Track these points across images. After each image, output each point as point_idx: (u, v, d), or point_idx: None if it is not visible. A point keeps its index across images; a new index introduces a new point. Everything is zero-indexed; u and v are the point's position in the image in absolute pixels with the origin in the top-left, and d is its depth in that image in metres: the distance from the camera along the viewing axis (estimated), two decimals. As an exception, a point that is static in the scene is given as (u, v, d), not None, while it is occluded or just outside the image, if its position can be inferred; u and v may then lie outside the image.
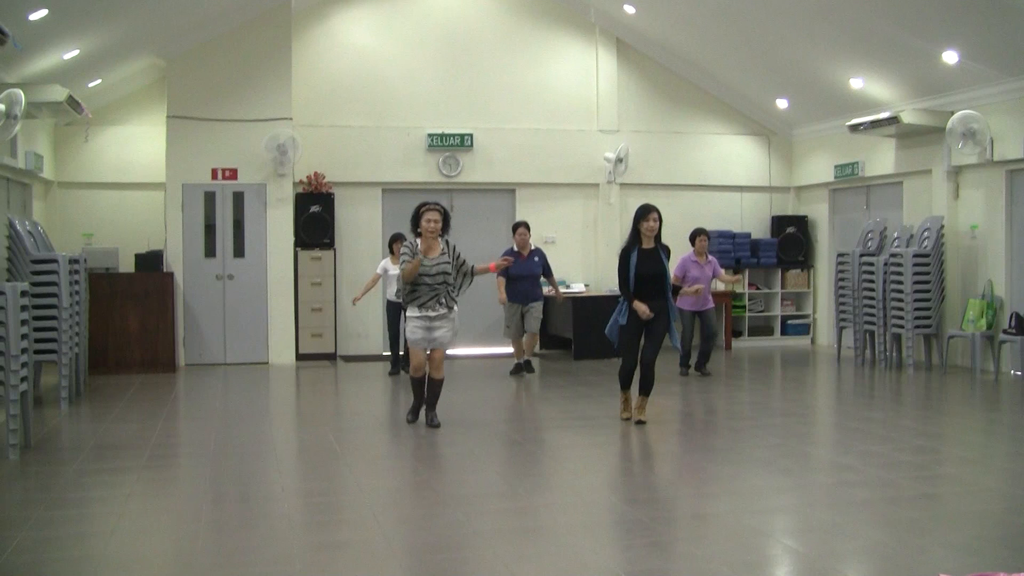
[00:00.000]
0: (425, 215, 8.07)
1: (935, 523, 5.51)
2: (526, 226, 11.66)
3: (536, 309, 11.52)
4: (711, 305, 11.59)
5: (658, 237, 8.19)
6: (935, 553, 4.95)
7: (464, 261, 8.24)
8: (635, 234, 8.17)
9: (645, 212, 8.14)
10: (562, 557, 5.03)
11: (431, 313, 8.04)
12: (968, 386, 10.68)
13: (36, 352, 8.88)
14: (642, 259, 8.11)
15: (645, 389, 8.29)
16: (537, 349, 12.98)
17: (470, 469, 6.92)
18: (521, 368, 11.59)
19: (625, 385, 8.49)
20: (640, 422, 8.22)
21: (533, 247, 11.69)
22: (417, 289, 8.02)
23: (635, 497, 6.20)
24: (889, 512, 5.68)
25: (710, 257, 11.59)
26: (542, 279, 11.73)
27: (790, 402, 9.94)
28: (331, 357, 13.34)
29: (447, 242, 8.17)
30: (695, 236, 11.51)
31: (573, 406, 9.68)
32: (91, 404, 9.80)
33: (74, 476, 6.70)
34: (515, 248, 11.48)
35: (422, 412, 8.46)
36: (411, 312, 8.11)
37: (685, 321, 11.31)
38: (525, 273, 11.42)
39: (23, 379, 7.36)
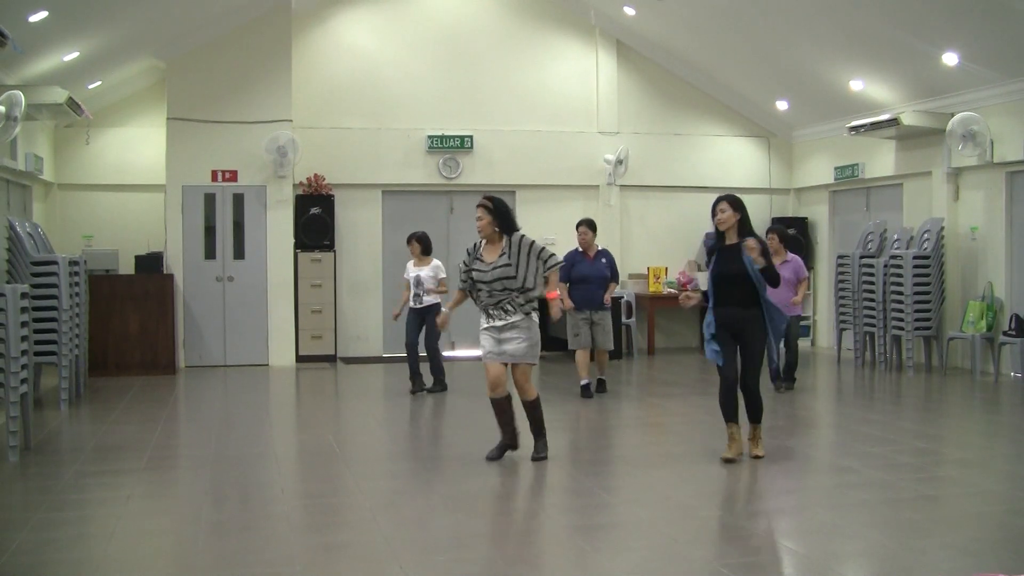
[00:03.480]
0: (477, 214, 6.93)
1: (935, 525, 5.51)
2: (587, 224, 10.37)
3: (606, 321, 10.15)
4: (796, 311, 10.30)
5: (743, 231, 6.83)
6: (935, 555, 4.95)
7: (540, 251, 6.88)
8: (716, 231, 7.00)
9: (713, 205, 6.95)
10: (561, 558, 5.03)
11: (497, 323, 6.82)
12: (968, 388, 10.68)
13: (36, 354, 8.87)
14: (721, 257, 6.88)
15: (755, 416, 6.97)
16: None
17: (469, 470, 6.91)
18: (590, 390, 10.11)
19: (730, 415, 6.91)
20: (756, 456, 6.94)
21: (600, 247, 10.40)
22: (479, 296, 6.91)
23: (635, 499, 6.20)
24: (889, 514, 5.68)
25: (789, 257, 10.29)
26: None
27: (790, 404, 9.93)
28: (331, 359, 13.33)
29: (510, 241, 6.88)
30: (766, 234, 10.35)
31: (573, 408, 9.67)
32: (91, 406, 9.79)
33: (74, 478, 6.70)
34: (579, 249, 10.38)
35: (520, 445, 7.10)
36: (481, 322, 6.96)
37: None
38: (591, 275, 10.13)
39: (23, 381, 7.37)
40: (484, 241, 6.94)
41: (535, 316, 6.88)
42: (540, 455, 6.98)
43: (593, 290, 10.13)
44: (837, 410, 10.11)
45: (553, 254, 6.98)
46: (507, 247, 6.85)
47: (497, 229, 6.89)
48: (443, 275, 10.38)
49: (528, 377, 6.94)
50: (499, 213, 6.89)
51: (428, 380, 10.48)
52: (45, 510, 5.83)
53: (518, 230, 6.99)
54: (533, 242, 6.95)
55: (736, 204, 6.89)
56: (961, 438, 8.34)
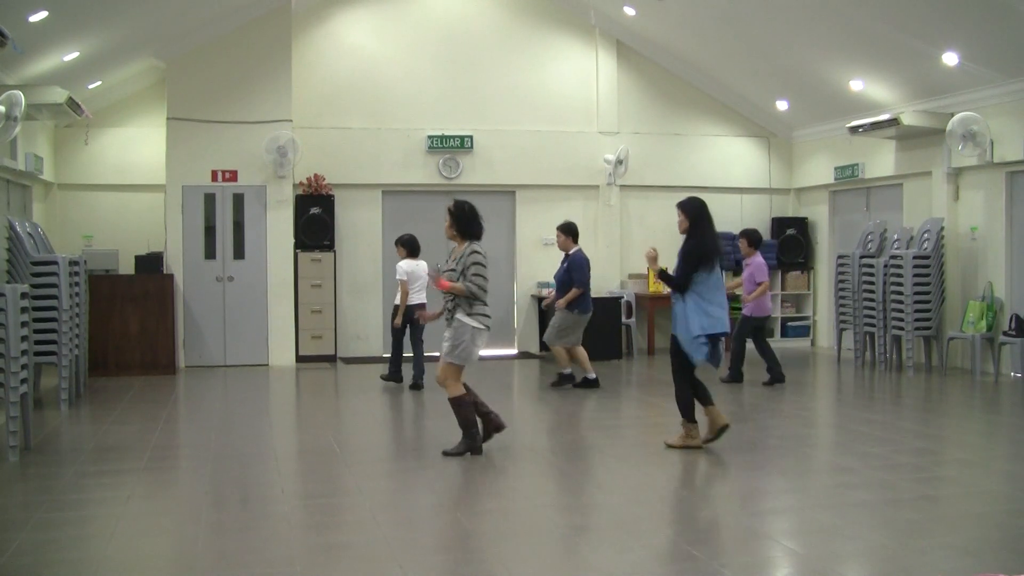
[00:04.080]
0: None
1: (935, 525, 5.51)
2: (560, 228, 10.84)
3: (553, 318, 10.72)
4: (745, 312, 10.86)
5: (691, 233, 7.39)
6: (935, 555, 4.95)
7: (471, 264, 7.08)
8: None
9: None
10: (561, 558, 5.03)
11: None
12: (968, 388, 10.68)
13: (36, 354, 8.87)
14: None
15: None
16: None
17: (470, 471, 6.92)
18: (561, 380, 10.82)
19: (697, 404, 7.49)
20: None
21: (573, 251, 10.68)
22: None
23: (634, 499, 6.20)
24: (889, 514, 5.68)
25: (749, 260, 10.94)
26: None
27: (790, 404, 9.94)
28: (331, 359, 13.34)
29: (468, 248, 7.19)
30: (737, 237, 11.27)
31: (571, 408, 9.68)
32: (91, 406, 9.79)
33: (74, 478, 6.70)
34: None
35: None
36: None
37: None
38: (555, 280, 10.91)
39: (23, 381, 7.37)
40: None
41: (470, 320, 7.07)
42: (451, 451, 7.20)
43: (558, 294, 10.77)
44: (837, 410, 10.11)
45: (477, 273, 7.07)
46: (460, 254, 7.18)
47: (457, 234, 7.23)
48: (398, 276, 10.95)
49: (447, 374, 7.16)
50: (459, 219, 7.22)
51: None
52: (45, 510, 5.83)
53: (478, 238, 7.27)
54: (473, 252, 7.12)
55: (686, 208, 7.40)
56: (961, 438, 8.34)
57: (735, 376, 10.94)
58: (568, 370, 10.76)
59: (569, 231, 10.78)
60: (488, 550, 5.09)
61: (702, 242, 7.30)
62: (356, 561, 4.97)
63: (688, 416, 7.37)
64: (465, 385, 7.31)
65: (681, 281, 7.32)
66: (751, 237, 11.10)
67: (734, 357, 10.98)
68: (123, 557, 5.03)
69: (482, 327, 7.16)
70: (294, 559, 4.92)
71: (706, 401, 7.40)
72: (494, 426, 7.38)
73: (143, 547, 5.26)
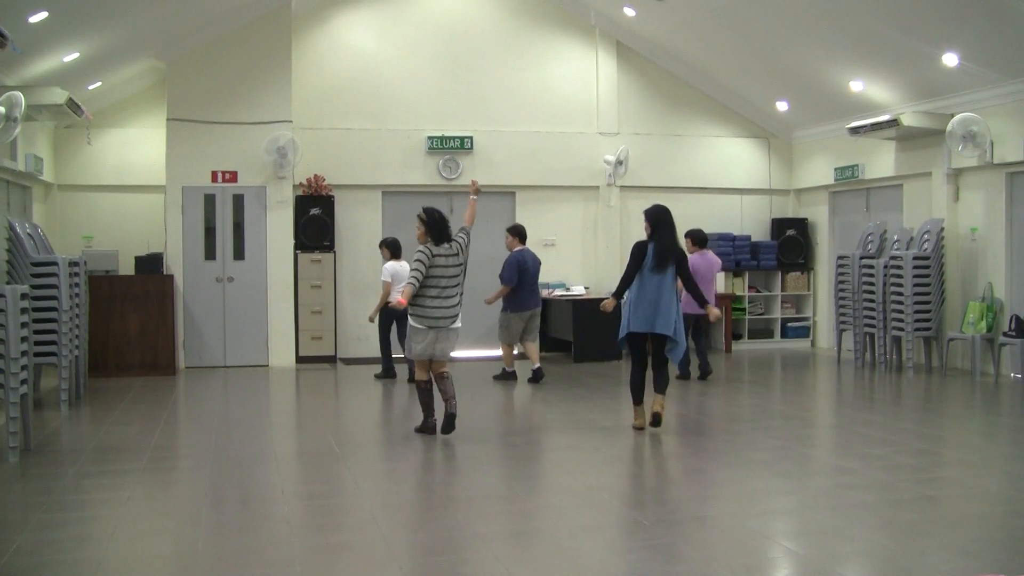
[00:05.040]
0: None
1: (935, 526, 5.51)
2: (508, 228, 11.59)
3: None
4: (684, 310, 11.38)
5: (650, 237, 8.18)
6: (935, 556, 4.95)
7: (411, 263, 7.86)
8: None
9: None
10: (561, 560, 5.03)
11: None
12: (968, 389, 10.68)
13: (36, 355, 8.87)
14: None
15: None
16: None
17: (469, 472, 6.92)
18: (504, 375, 11.40)
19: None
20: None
21: (515, 249, 11.35)
22: None
23: (635, 500, 6.20)
24: (889, 515, 5.68)
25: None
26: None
27: (790, 405, 9.94)
28: (331, 360, 13.34)
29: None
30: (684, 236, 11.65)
31: (573, 409, 9.68)
32: (91, 407, 9.79)
33: (74, 479, 6.70)
34: None
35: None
36: None
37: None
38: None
39: (23, 381, 7.37)
40: None
41: (412, 319, 7.71)
42: (417, 428, 8.13)
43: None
44: (837, 411, 10.11)
45: (412, 268, 7.62)
46: None
47: (430, 239, 7.70)
48: (383, 278, 11.34)
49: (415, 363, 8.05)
50: (430, 225, 7.75)
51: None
52: (45, 511, 5.83)
53: (448, 241, 7.74)
54: (416, 251, 7.68)
55: (647, 215, 8.22)
56: (961, 439, 8.34)
57: (704, 367, 11.32)
58: (512, 368, 11.34)
59: (515, 232, 11.47)
60: (488, 551, 5.09)
61: (657, 244, 7.97)
62: (356, 561, 4.97)
63: (635, 399, 8.17)
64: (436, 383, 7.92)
65: (626, 280, 8.07)
66: (695, 236, 11.58)
67: (697, 355, 11.33)
68: (123, 557, 5.03)
69: (419, 326, 7.67)
70: (294, 560, 4.92)
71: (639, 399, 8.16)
72: (432, 427, 8.02)
73: (143, 547, 5.26)
